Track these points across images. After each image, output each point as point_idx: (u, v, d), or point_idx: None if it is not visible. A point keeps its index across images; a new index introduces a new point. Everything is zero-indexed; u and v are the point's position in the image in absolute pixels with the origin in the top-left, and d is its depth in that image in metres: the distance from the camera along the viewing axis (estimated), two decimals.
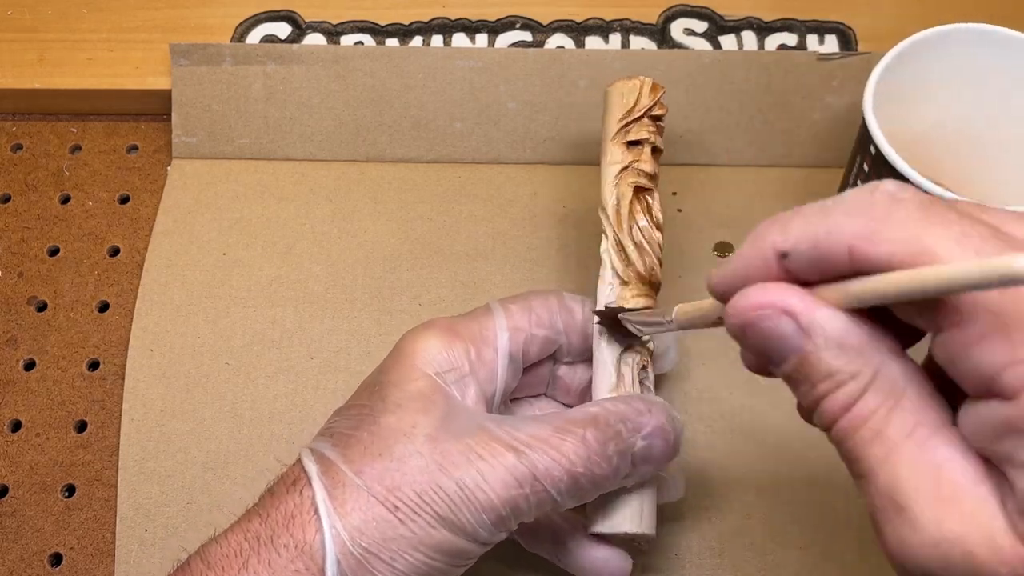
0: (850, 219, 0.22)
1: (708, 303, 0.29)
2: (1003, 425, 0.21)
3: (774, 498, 0.41)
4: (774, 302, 0.24)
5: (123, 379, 0.45)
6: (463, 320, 0.36)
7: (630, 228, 0.38)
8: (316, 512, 0.31)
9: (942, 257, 0.21)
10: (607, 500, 0.35)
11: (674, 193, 0.49)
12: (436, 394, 0.33)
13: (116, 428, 0.44)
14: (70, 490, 0.43)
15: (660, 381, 0.44)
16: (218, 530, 0.32)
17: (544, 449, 0.32)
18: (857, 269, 0.22)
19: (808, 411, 0.24)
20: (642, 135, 0.39)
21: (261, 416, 0.44)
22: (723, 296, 0.26)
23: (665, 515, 0.41)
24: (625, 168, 0.39)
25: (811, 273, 0.24)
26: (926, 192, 0.37)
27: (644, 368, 0.37)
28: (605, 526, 0.35)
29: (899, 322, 0.23)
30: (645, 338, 0.37)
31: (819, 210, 0.23)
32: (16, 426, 0.45)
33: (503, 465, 0.31)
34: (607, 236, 0.39)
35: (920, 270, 0.21)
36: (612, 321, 0.36)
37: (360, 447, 0.32)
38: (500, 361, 0.35)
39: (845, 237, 0.22)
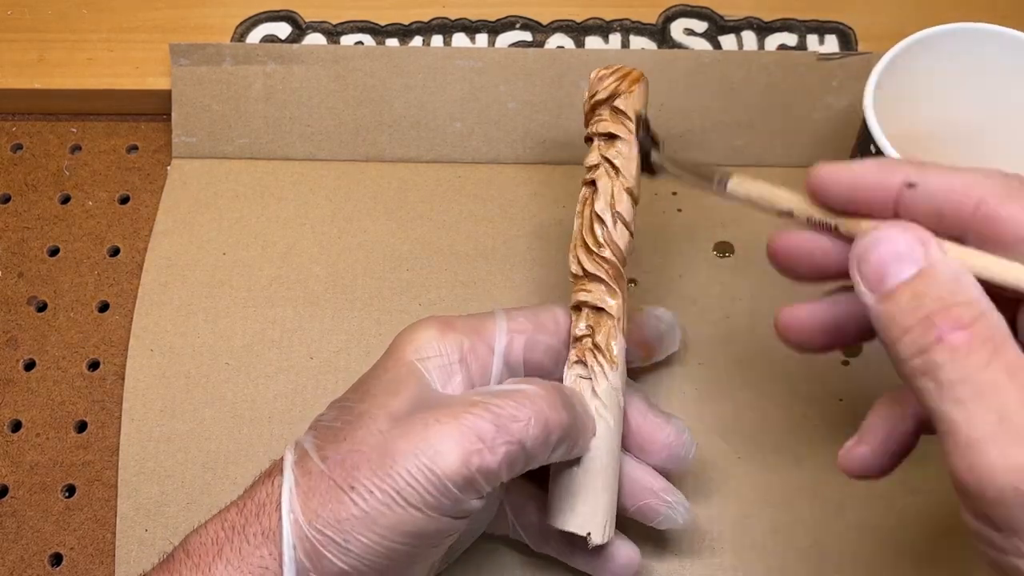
0: (987, 180, 0.25)
1: (785, 192, 0.31)
2: None
3: (774, 498, 0.41)
4: (915, 230, 0.26)
5: (123, 379, 0.45)
6: (461, 318, 0.36)
7: (577, 228, 0.38)
8: (280, 499, 0.31)
9: None
10: (570, 496, 0.35)
11: (674, 193, 0.49)
12: (409, 376, 0.33)
13: (116, 428, 0.44)
14: (70, 490, 0.43)
15: (661, 381, 0.44)
16: (204, 521, 0.33)
17: (505, 400, 0.32)
18: (976, 224, 0.25)
19: (901, 331, 0.25)
20: (589, 130, 0.39)
21: (261, 416, 0.44)
22: (822, 188, 0.28)
23: None
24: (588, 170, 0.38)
25: (926, 212, 0.26)
26: None
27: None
28: (567, 524, 0.35)
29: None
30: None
31: (953, 168, 0.26)
32: (16, 426, 0.45)
33: (461, 424, 0.31)
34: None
35: None
36: (643, 148, 0.36)
37: (331, 435, 0.32)
38: (495, 360, 0.35)
39: (978, 192, 0.25)
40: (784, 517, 0.41)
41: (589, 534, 0.35)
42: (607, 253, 0.37)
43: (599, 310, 0.36)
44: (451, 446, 0.30)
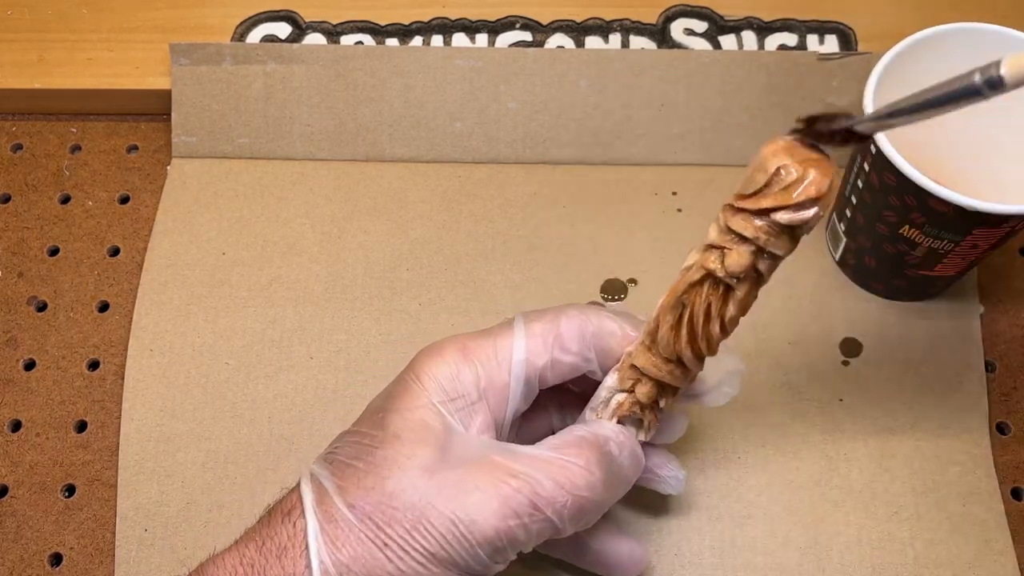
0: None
1: None
2: None
3: (775, 497, 0.41)
4: None
5: (123, 379, 0.45)
6: (479, 339, 0.34)
7: (680, 299, 0.32)
8: (307, 546, 0.30)
9: None
10: None
11: (674, 193, 0.49)
12: (437, 424, 0.32)
13: (116, 428, 0.44)
14: (70, 490, 0.43)
15: None
16: (217, 547, 0.33)
17: (546, 473, 0.31)
18: None
19: None
20: (749, 233, 0.30)
21: (261, 416, 0.44)
22: None
23: (665, 514, 0.41)
24: (713, 246, 0.32)
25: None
26: (927, 190, 0.37)
27: (641, 407, 0.34)
28: None
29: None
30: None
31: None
32: (16, 426, 0.45)
33: (500, 494, 0.30)
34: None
35: None
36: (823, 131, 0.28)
37: (355, 478, 0.31)
38: (513, 386, 0.34)
39: None
40: (784, 517, 0.41)
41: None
42: (702, 355, 0.33)
43: (668, 388, 0.34)
44: (488, 516, 0.30)
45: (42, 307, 0.48)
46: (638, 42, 0.53)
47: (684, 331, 0.32)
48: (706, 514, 0.41)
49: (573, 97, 0.50)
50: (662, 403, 0.34)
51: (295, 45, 0.52)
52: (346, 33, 0.54)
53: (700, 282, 0.31)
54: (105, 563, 0.41)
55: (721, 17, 0.54)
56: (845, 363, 0.44)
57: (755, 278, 0.31)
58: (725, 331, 0.32)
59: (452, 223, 0.49)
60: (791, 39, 0.53)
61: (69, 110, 0.54)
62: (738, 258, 0.30)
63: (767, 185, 0.30)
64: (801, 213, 0.29)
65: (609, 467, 0.33)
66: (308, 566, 0.30)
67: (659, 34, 0.54)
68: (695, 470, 0.42)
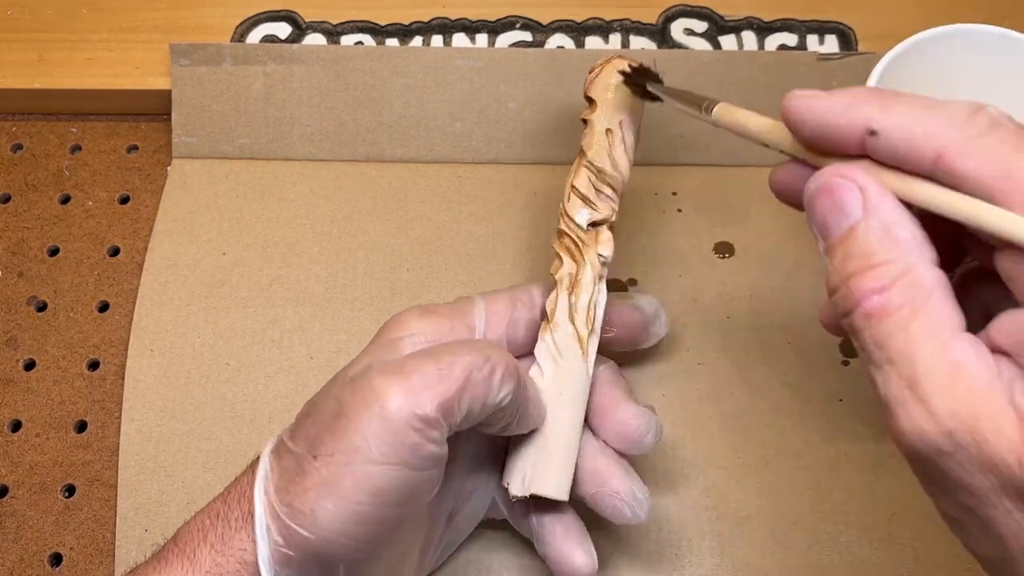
0: (949, 127, 0.24)
1: (761, 121, 0.30)
2: None
3: (774, 498, 0.41)
4: (855, 178, 0.25)
5: (123, 379, 0.45)
6: (442, 304, 0.37)
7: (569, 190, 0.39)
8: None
9: (1020, 180, 0.22)
10: (525, 460, 0.36)
11: (674, 193, 0.49)
12: (375, 350, 0.34)
13: (116, 428, 0.44)
14: (70, 490, 0.43)
15: (660, 382, 0.44)
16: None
17: (447, 344, 0.33)
18: (937, 174, 0.24)
19: (832, 287, 0.25)
20: (583, 115, 0.40)
21: (261, 416, 0.44)
22: (796, 125, 0.27)
23: (665, 514, 0.41)
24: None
25: (888, 158, 0.25)
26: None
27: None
28: (520, 488, 0.35)
29: (941, 239, 0.25)
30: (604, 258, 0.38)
31: (922, 105, 0.25)
32: (16, 426, 0.45)
33: (405, 368, 0.31)
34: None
35: (994, 211, 0.23)
36: (638, 84, 0.37)
37: (300, 418, 0.33)
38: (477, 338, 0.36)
39: (939, 142, 0.24)
40: (784, 517, 0.41)
41: (509, 484, 0.36)
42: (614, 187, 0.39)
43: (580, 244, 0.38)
44: (396, 392, 0.30)
45: (42, 307, 0.48)
46: (638, 42, 0.53)
47: (590, 196, 0.39)
48: (706, 514, 0.41)
49: (573, 97, 0.50)
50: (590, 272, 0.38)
51: (295, 45, 0.52)
52: (346, 33, 0.54)
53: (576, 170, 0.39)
54: (105, 563, 0.41)
55: (721, 17, 0.54)
56: (845, 363, 0.45)
57: (579, 152, 0.40)
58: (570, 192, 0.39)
59: (452, 223, 0.49)
60: (791, 39, 0.53)
61: (69, 110, 0.54)
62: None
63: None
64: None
65: (514, 360, 0.34)
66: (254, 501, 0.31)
67: (659, 34, 0.54)
68: (695, 470, 0.42)
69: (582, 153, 0.39)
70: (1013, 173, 0.23)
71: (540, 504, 0.36)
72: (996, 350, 0.23)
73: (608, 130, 0.39)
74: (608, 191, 0.39)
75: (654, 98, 0.37)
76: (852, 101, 0.25)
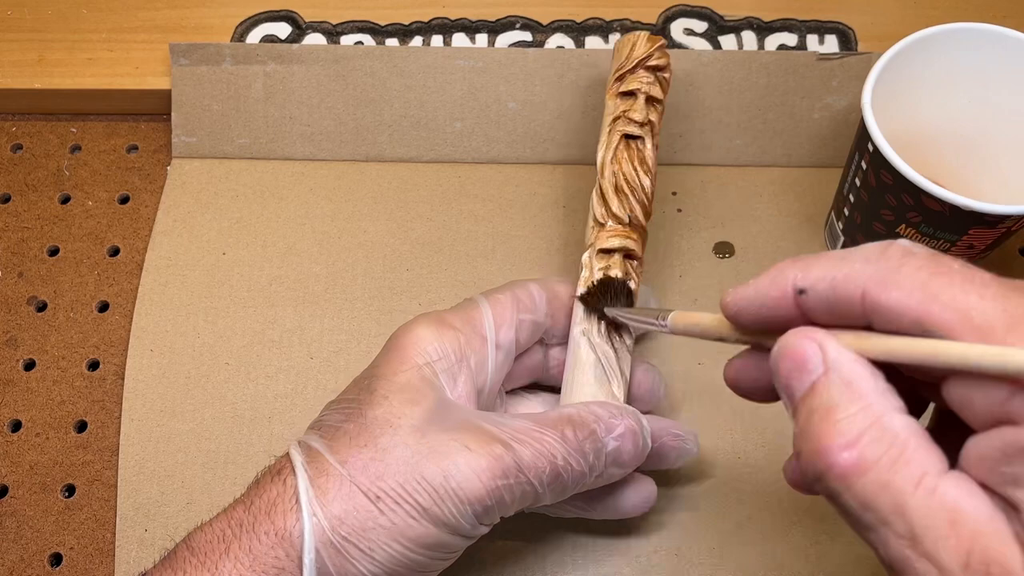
0: (866, 265, 0.24)
1: (710, 318, 0.31)
2: (1011, 447, 0.21)
3: (775, 497, 0.41)
4: (812, 335, 0.25)
5: (123, 379, 0.45)
6: (451, 312, 0.37)
7: (613, 174, 0.40)
8: (298, 500, 0.31)
9: (945, 302, 0.23)
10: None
11: (674, 193, 0.49)
12: (424, 386, 0.34)
13: (116, 428, 0.44)
14: (70, 490, 0.43)
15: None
16: (205, 519, 0.33)
17: (528, 442, 0.32)
18: (868, 313, 0.24)
19: (799, 453, 0.24)
20: (634, 85, 0.41)
21: (261, 416, 0.44)
22: (735, 316, 0.28)
23: (665, 514, 0.41)
24: (616, 118, 0.41)
25: (824, 312, 0.25)
26: (923, 189, 0.37)
27: (618, 332, 0.38)
28: None
29: (900, 381, 0.25)
30: (629, 322, 0.38)
31: (839, 256, 0.25)
32: (16, 426, 0.45)
33: (490, 455, 0.32)
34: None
35: (937, 344, 0.22)
36: (598, 309, 0.37)
37: (346, 438, 0.32)
38: (490, 350, 0.36)
39: (860, 281, 0.24)
40: (784, 518, 0.41)
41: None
42: (649, 206, 0.40)
43: (633, 259, 0.39)
44: (478, 475, 0.31)
45: (42, 307, 0.48)
46: None
47: (615, 194, 0.39)
48: (706, 514, 0.41)
49: (573, 97, 0.50)
50: (632, 282, 0.39)
51: (295, 45, 0.52)
52: (346, 33, 0.54)
53: (617, 146, 0.40)
54: (105, 563, 0.41)
55: (721, 17, 0.54)
56: None
57: (651, 127, 0.41)
58: (649, 174, 0.40)
59: (452, 223, 0.49)
60: (791, 39, 0.53)
61: (69, 110, 0.54)
62: (639, 107, 0.41)
63: (627, 59, 0.42)
64: (655, 57, 0.41)
65: (590, 445, 0.34)
66: (300, 519, 0.30)
67: (659, 34, 0.54)
68: (695, 470, 0.42)
69: (654, 137, 0.41)
70: (936, 297, 0.23)
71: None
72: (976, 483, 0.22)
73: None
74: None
75: (611, 321, 0.38)
76: (775, 273, 0.26)
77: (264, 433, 0.43)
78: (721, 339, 0.30)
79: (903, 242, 0.25)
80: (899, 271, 0.24)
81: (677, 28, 0.54)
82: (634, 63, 0.41)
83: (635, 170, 0.40)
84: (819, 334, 0.25)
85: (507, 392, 0.40)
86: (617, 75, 0.42)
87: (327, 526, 0.30)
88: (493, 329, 0.36)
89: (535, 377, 0.40)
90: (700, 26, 0.54)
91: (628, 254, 0.39)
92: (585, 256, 0.40)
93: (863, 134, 0.39)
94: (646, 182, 0.40)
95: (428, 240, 0.48)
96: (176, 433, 0.44)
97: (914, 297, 0.23)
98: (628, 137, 0.41)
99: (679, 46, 0.53)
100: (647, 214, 0.40)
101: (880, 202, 0.40)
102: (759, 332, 0.28)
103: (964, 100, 0.43)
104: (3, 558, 0.42)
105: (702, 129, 0.50)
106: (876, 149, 0.38)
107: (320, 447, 0.32)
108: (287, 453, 0.33)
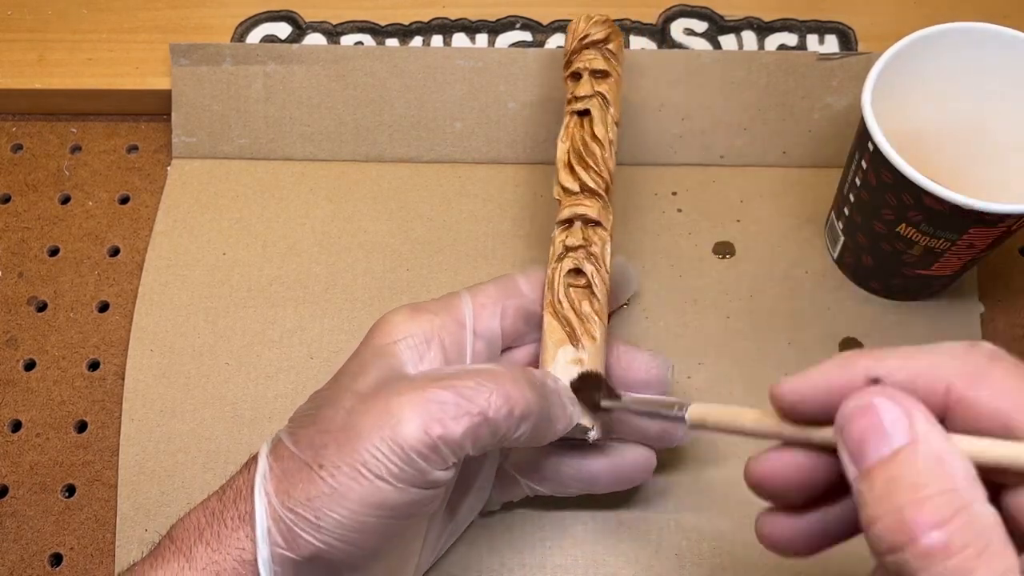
0: (953, 360, 0.23)
1: (747, 412, 0.28)
2: None
3: None
4: (901, 401, 0.23)
5: (123, 379, 0.45)
6: (431, 300, 0.37)
7: (565, 152, 0.41)
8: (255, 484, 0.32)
9: None
10: None
11: (674, 193, 0.49)
12: (376, 359, 0.34)
13: (116, 428, 0.44)
14: (70, 490, 0.43)
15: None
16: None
17: (469, 376, 0.32)
18: (949, 409, 0.23)
19: (871, 519, 0.23)
20: (578, 65, 0.42)
21: (261, 416, 0.44)
22: (792, 407, 0.26)
23: (665, 514, 0.41)
24: (568, 101, 0.42)
25: None
26: (923, 188, 0.37)
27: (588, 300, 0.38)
28: None
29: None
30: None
31: (915, 349, 0.24)
32: (16, 426, 0.45)
33: (423, 395, 0.31)
34: None
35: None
36: (589, 398, 0.35)
37: (304, 421, 0.33)
38: (468, 336, 0.36)
39: (945, 375, 0.23)
40: None
41: (590, 429, 0.35)
42: (605, 174, 0.40)
43: (594, 224, 0.39)
44: (411, 417, 0.30)
45: (42, 307, 0.48)
46: (638, 42, 0.53)
47: (576, 163, 0.40)
48: (706, 514, 0.41)
49: None
50: (606, 252, 0.39)
51: (295, 45, 0.52)
52: (346, 33, 0.54)
53: (568, 126, 0.41)
54: (105, 563, 0.41)
55: (721, 17, 0.54)
56: None
57: (601, 98, 0.41)
58: (600, 144, 0.40)
59: (452, 223, 0.49)
60: (791, 39, 0.53)
61: (69, 110, 0.54)
62: (583, 83, 0.42)
63: (570, 43, 0.43)
64: (593, 33, 0.43)
65: (538, 379, 0.33)
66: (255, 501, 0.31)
67: (659, 34, 0.54)
68: (695, 470, 0.42)
69: (607, 106, 0.41)
70: None
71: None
72: None
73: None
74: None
75: (608, 411, 0.36)
76: (842, 361, 0.25)
77: (264, 433, 0.43)
78: (757, 436, 0.28)
79: (986, 345, 0.24)
80: (989, 370, 0.23)
81: (677, 28, 0.54)
82: (576, 46, 0.42)
83: (584, 142, 0.40)
84: (907, 400, 0.23)
85: None
86: (566, 59, 0.43)
87: (276, 502, 0.31)
88: (472, 316, 0.36)
89: None
90: (700, 26, 0.54)
91: (586, 220, 0.39)
92: (552, 232, 0.40)
93: (863, 133, 0.39)
94: (597, 150, 0.40)
95: (428, 240, 0.48)
96: (176, 433, 0.44)
97: (1004, 400, 0.22)
98: (579, 114, 0.41)
99: (679, 46, 0.53)
100: (602, 180, 0.39)
101: (880, 201, 0.40)
102: (810, 425, 0.26)
103: (964, 99, 0.43)
104: (3, 558, 0.42)
105: (702, 129, 0.50)
106: (876, 148, 0.38)
107: (283, 435, 0.33)
108: None
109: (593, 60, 0.42)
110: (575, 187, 0.40)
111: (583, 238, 0.38)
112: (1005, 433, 0.22)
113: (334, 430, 0.31)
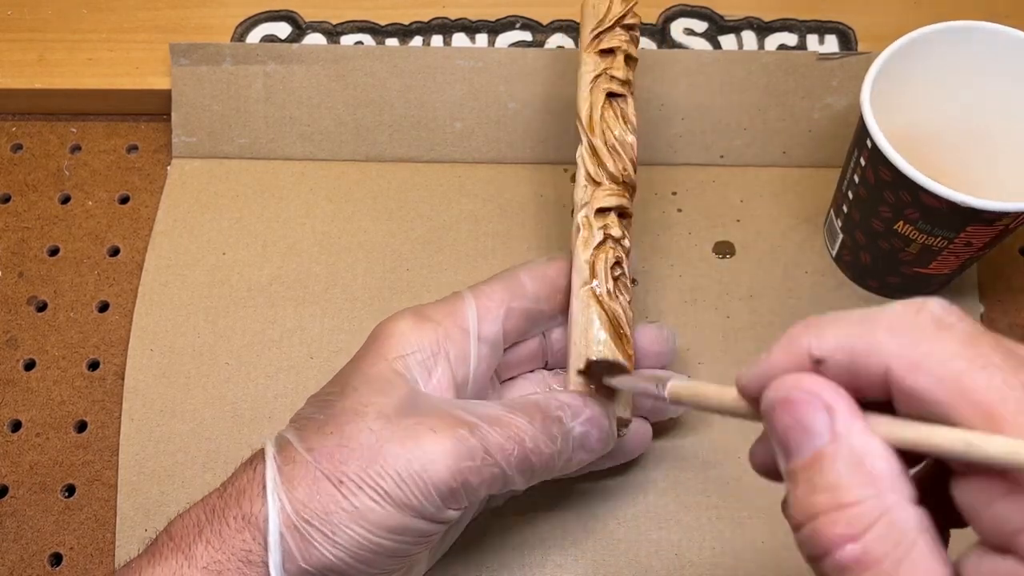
0: (892, 339, 0.22)
1: (716, 391, 0.27)
2: None
3: (775, 497, 0.41)
4: (821, 394, 0.22)
5: (123, 379, 0.45)
6: (434, 305, 0.37)
7: (603, 132, 0.39)
8: (265, 487, 0.31)
9: (981, 404, 0.20)
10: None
11: (674, 193, 0.49)
12: (394, 377, 0.34)
13: (116, 428, 0.44)
14: (70, 490, 0.43)
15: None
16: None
17: (495, 424, 0.33)
18: (890, 390, 0.22)
19: (797, 523, 0.23)
20: (614, 43, 0.41)
21: (261, 416, 0.44)
22: (751, 394, 0.25)
23: (665, 514, 0.41)
24: (598, 76, 0.40)
25: (845, 383, 0.23)
26: (921, 186, 0.37)
27: (622, 281, 0.38)
28: None
29: (912, 461, 0.23)
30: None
31: (859, 320, 0.23)
32: (16, 426, 0.45)
33: (454, 437, 0.32)
34: (582, 142, 0.40)
35: (969, 436, 0.20)
36: (597, 377, 0.36)
37: (315, 428, 0.33)
38: (472, 342, 0.36)
39: (884, 357, 0.22)
40: (784, 518, 0.41)
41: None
42: (631, 165, 0.40)
43: (626, 216, 0.39)
44: (443, 458, 0.31)
45: (42, 307, 0.48)
46: None
47: (608, 152, 0.39)
48: (706, 514, 0.41)
49: (573, 97, 0.50)
50: (626, 241, 0.39)
51: (295, 45, 0.52)
52: (346, 33, 0.54)
53: (604, 104, 0.40)
54: (105, 563, 0.41)
55: (721, 17, 0.54)
56: None
57: (630, 84, 0.41)
58: (634, 131, 0.40)
59: (452, 223, 0.49)
60: (791, 39, 0.53)
61: (69, 110, 0.54)
62: (618, 66, 0.41)
63: (605, 17, 0.41)
64: (628, 17, 0.42)
65: (557, 429, 0.34)
66: (265, 504, 0.31)
67: (659, 34, 0.54)
68: (695, 470, 0.42)
69: (633, 94, 0.41)
70: (968, 390, 0.20)
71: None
72: None
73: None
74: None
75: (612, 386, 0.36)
76: (787, 343, 0.24)
77: (264, 433, 0.43)
78: (725, 413, 0.27)
79: (934, 307, 0.22)
80: (930, 353, 0.21)
81: (677, 28, 0.54)
82: (612, 21, 0.41)
83: (623, 130, 0.40)
84: (828, 392, 0.22)
85: (503, 381, 0.40)
86: (595, 33, 0.41)
87: (290, 510, 0.31)
88: (476, 321, 0.36)
89: (535, 366, 0.40)
90: (700, 26, 0.54)
91: (622, 212, 0.39)
92: (581, 215, 0.39)
93: (862, 131, 0.39)
94: (632, 140, 0.40)
95: (428, 240, 0.48)
96: (176, 433, 0.44)
97: (943, 390, 0.21)
98: (610, 96, 0.40)
99: (679, 46, 0.53)
100: (632, 174, 0.40)
101: (878, 199, 0.40)
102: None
103: (963, 98, 0.43)
104: (3, 558, 0.42)
105: (702, 129, 0.50)
106: (875, 146, 0.38)
107: (291, 437, 0.33)
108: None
109: (630, 45, 0.41)
110: (618, 174, 0.39)
111: (621, 229, 0.39)
112: (944, 420, 0.21)
113: (357, 448, 0.31)
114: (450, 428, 0.32)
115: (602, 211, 0.38)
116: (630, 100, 0.41)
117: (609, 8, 0.41)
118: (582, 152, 0.40)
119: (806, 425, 0.22)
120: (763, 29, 0.53)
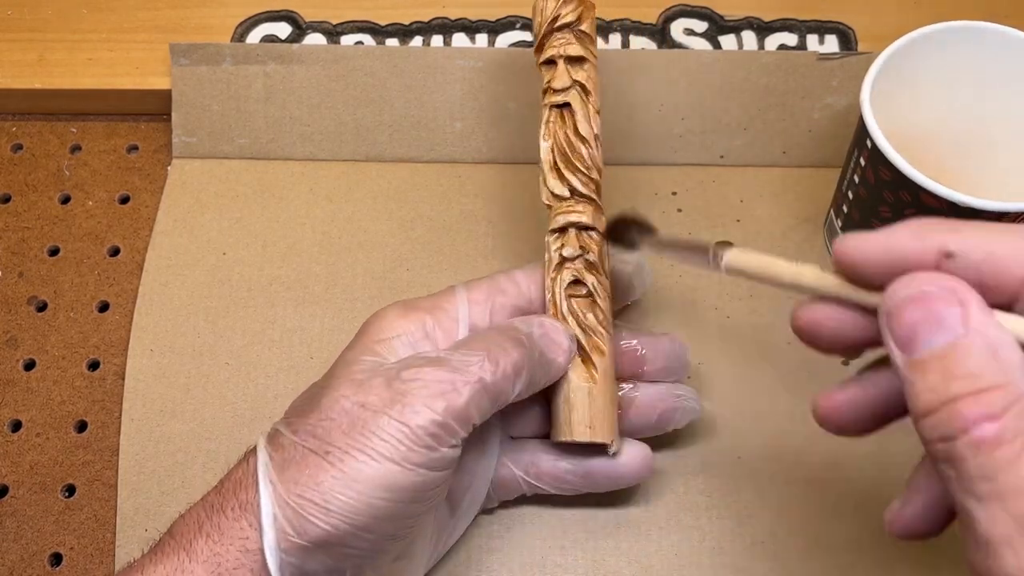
0: None
1: (788, 267, 0.27)
2: None
3: (775, 497, 0.41)
4: (953, 287, 0.23)
5: (123, 379, 0.45)
6: (423, 297, 0.37)
7: (548, 150, 0.39)
8: (258, 474, 0.32)
9: None
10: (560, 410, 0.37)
11: (674, 193, 0.49)
12: (371, 354, 0.34)
13: (116, 428, 0.44)
14: (70, 490, 0.43)
15: None
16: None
17: (454, 350, 0.34)
18: (1021, 299, 0.23)
19: (927, 409, 0.23)
20: (550, 52, 0.39)
21: (261, 416, 0.44)
22: (853, 266, 0.25)
23: (665, 514, 0.41)
24: (544, 91, 0.39)
25: (968, 282, 0.23)
26: (921, 186, 0.37)
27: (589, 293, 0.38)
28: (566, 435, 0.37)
29: None
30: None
31: (998, 228, 0.23)
32: (16, 426, 0.45)
33: (424, 377, 0.32)
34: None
35: None
36: (624, 233, 0.35)
37: (299, 414, 0.33)
38: (460, 330, 0.36)
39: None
40: (783, 517, 0.41)
41: (611, 442, 0.36)
42: (594, 174, 0.38)
43: (588, 230, 0.38)
44: (416, 398, 0.31)
45: (42, 307, 0.48)
46: (638, 42, 0.53)
47: (563, 166, 0.38)
48: (706, 514, 0.41)
49: None
50: (603, 259, 0.38)
51: (295, 45, 0.52)
52: (346, 33, 0.54)
53: (549, 120, 0.39)
54: (105, 563, 0.41)
55: (721, 17, 0.54)
56: (845, 363, 0.44)
57: (580, 88, 0.39)
58: (585, 142, 0.38)
59: (452, 223, 0.49)
60: (791, 39, 0.53)
61: (69, 110, 0.54)
62: (559, 74, 0.39)
63: (539, 26, 0.39)
64: (564, 14, 0.39)
65: (515, 334, 0.35)
66: (258, 490, 0.31)
67: (659, 34, 0.54)
68: (695, 470, 0.42)
69: (587, 96, 0.39)
70: None
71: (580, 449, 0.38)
72: None
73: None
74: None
75: (636, 247, 0.36)
76: (919, 229, 0.24)
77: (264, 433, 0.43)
78: (792, 287, 0.27)
79: None
80: None
81: (677, 28, 0.54)
82: (547, 29, 0.39)
83: (569, 140, 0.38)
84: (962, 288, 0.23)
85: None
86: (536, 46, 0.40)
87: (282, 489, 0.31)
88: (466, 311, 0.37)
89: None
90: (700, 26, 0.54)
91: (580, 227, 0.38)
92: (546, 238, 0.39)
93: (862, 131, 0.39)
94: (583, 150, 0.38)
95: (428, 240, 0.48)
96: (176, 433, 0.44)
97: None
98: (558, 107, 0.39)
99: (679, 46, 0.53)
100: (591, 181, 0.38)
101: (878, 199, 0.40)
102: (869, 288, 0.26)
103: (963, 98, 0.43)
104: (3, 558, 0.42)
105: (702, 129, 0.50)
106: (875, 145, 0.38)
107: (281, 427, 0.33)
108: None
109: (567, 45, 0.39)
110: (565, 192, 0.38)
111: (579, 246, 0.38)
112: None
113: (336, 417, 0.32)
114: (414, 368, 0.32)
115: (556, 231, 0.38)
116: (580, 104, 0.39)
117: (541, 14, 0.40)
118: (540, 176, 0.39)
119: (941, 319, 0.23)
120: (763, 29, 0.54)
